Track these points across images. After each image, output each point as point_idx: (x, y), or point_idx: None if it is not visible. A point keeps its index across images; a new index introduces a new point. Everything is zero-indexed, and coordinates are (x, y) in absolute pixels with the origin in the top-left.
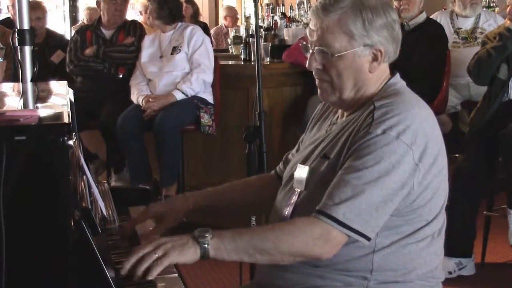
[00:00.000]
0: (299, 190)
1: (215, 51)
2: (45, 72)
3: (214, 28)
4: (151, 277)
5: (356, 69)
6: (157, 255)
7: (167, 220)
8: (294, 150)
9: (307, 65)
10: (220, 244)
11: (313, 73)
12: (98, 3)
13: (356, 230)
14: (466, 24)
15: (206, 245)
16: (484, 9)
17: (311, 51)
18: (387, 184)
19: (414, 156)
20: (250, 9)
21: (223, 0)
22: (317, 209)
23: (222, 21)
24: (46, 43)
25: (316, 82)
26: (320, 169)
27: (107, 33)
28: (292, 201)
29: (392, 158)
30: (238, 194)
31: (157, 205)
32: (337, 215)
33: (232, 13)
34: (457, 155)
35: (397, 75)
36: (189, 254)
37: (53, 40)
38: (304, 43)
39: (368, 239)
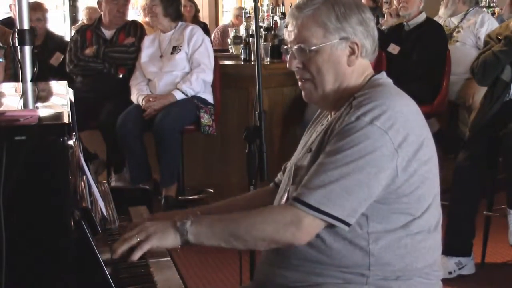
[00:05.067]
0: (289, 188)
1: (219, 50)
2: (44, 74)
3: (221, 25)
4: (132, 259)
5: (334, 62)
6: (138, 239)
7: None
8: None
9: (287, 65)
10: (198, 230)
11: (295, 74)
12: (99, 4)
13: (330, 214)
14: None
15: (185, 232)
16: (471, 9)
17: (290, 51)
18: (361, 167)
19: (393, 140)
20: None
21: (223, 0)
22: (292, 196)
23: (230, 20)
24: (45, 45)
25: (299, 84)
26: (304, 163)
27: (107, 33)
28: (283, 200)
29: (367, 143)
30: (240, 209)
31: (163, 214)
32: (309, 200)
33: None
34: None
35: (383, 73)
36: (169, 239)
37: (52, 43)
38: (285, 47)
39: (347, 224)
